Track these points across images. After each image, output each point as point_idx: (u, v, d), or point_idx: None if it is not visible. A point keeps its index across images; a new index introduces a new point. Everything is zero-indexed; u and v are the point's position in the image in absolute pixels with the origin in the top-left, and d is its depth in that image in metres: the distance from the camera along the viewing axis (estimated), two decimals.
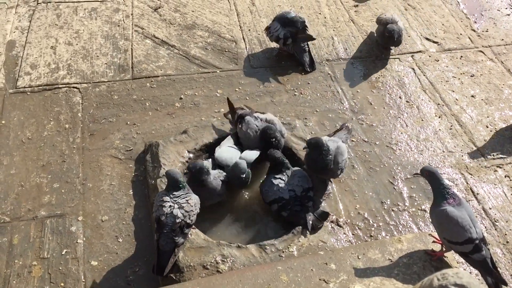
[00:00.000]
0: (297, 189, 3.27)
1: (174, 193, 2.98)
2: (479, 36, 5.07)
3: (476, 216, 3.39)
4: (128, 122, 4.04)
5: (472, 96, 4.42)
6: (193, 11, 5.22)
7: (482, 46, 4.96)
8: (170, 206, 2.92)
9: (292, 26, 4.51)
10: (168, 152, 3.58)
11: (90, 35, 4.87)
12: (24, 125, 3.98)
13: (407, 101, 4.34)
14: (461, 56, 4.82)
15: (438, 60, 4.77)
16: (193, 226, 3.06)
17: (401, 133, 4.06)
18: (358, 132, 4.03)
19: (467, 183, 3.68)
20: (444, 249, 2.91)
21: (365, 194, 3.56)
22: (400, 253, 2.93)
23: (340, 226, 3.26)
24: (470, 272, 3.06)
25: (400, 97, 4.37)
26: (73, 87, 4.33)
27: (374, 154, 3.85)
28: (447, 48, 4.92)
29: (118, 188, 3.57)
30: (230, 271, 2.91)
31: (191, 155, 3.60)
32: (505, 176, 3.74)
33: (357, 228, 3.35)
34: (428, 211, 3.16)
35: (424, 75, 4.61)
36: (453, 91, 4.45)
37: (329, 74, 4.57)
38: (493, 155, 3.89)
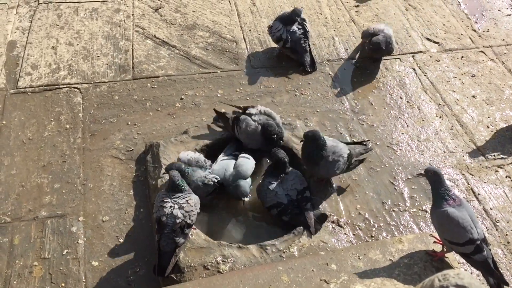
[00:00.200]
0: (292, 193, 3.26)
1: (174, 193, 2.98)
2: (480, 36, 5.06)
3: (477, 217, 3.39)
4: (129, 123, 4.04)
5: (473, 96, 4.41)
6: (193, 12, 5.22)
7: (483, 46, 4.95)
8: (171, 206, 2.92)
9: (292, 20, 4.55)
10: (169, 152, 3.59)
11: (91, 35, 4.87)
12: (25, 126, 3.98)
13: (408, 102, 4.34)
14: (462, 57, 4.82)
15: (439, 61, 4.77)
16: (194, 227, 3.06)
17: (402, 133, 4.05)
18: (358, 133, 4.02)
19: (468, 184, 3.68)
20: (445, 249, 2.91)
21: (366, 195, 3.56)
22: (401, 253, 2.92)
23: (341, 226, 3.26)
24: (471, 273, 3.06)
25: (401, 98, 4.37)
26: (74, 88, 4.33)
27: (375, 155, 3.85)
28: (448, 48, 4.91)
29: (118, 188, 3.57)
30: (231, 271, 2.91)
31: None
32: (506, 177, 3.74)
33: (358, 228, 3.35)
34: (429, 212, 3.15)
35: (425, 75, 4.60)
36: (454, 92, 4.45)
37: (329, 74, 4.57)
38: (494, 155, 3.89)
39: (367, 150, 3.54)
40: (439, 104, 4.32)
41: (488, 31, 5.13)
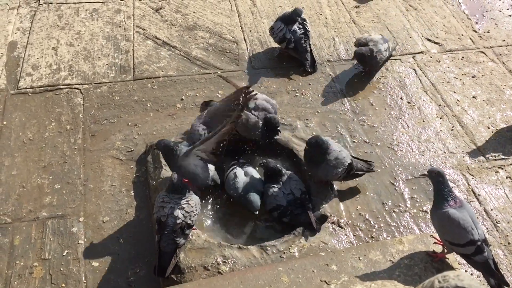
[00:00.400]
0: (296, 192, 3.27)
1: (175, 195, 2.99)
2: (480, 37, 5.06)
3: (477, 217, 3.38)
4: (129, 123, 4.04)
5: (474, 97, 4.41)
6: (194, 12, 5.22)
7: (484, 47, 4.95)
8: (171, 207, 2.92)
9: (293, 20, 4.54)
10: None
11: (91, 36, 4.87)
12: (25, 126, 3.99)
13: (408, 102, 4.33)
14: (463, 57, 4.82)
15: (439, 61, 4.77)
16: (194, 227, 3.06)
17: (402, 134, 4.05)
18: (359, 133, 4.02)
19: (469, 184, 3.68)
20: (445, 250, 2.91)
21: (366, 195, 3.56)
22: (401, 254, 2.92)
23: (341, 227, 3.25)
24: (472, 274, 3.06)
25: (401, 98, 4.37)
26: (75, 88, 4.33)
27: (375, 155, 3.85)
28: (449, 49, 4.91)
29: (119, 189, 3.57)
30: (231, 272, 2.91)
31: None
32: (507, 177, 3.73)
33: (358, 229, 3.35)
34: (429, 213, 3.15)
35: (425, 76, 4.60)
36: (455, 92, 4.45)
37: (330, 75, 4.57)
38: (495, 156, 3.88)
39: (369, 169, 3.53)
40: (440, 105, 4.32)
41: (488, 32, 5.12)
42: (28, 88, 4.32)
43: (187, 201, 2.97)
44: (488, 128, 4.12)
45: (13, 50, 4.69)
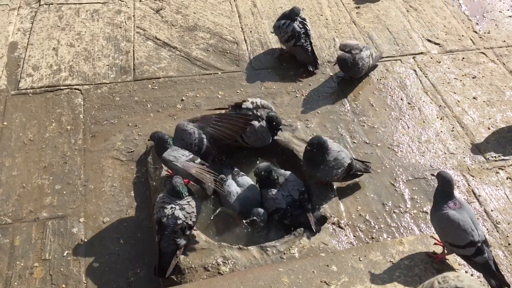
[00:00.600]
0: (294, 193, 3.27)
1: (175, 198, 2.99)
2: (481, 37, 5.06)
3: (477, 218, 3.38)
4: (130, 124, 4.05)
5: (474, 97, 4.41)
6: (194, 13, 5.22)
7: (484, 47, 4.95)
8: (172, 207, 2.92)
9: (292, 20, 4.54)
10: None
11: (92, 36, 4.88)
12: (26, 127, 3.99)
13: (408, 103, 4.33)
14: (463, 58, 4.82)
15: (439, 62, 4.77)
16: (195, 228, 3.06)
17: (403, 134, 4.05)
18: (359, 134, 4.02)
19: (469, 185, 3.68)
20: (445, 251, 2.90)
21: (367, 196, 3.56)
22: (401, 255, 2.92)
23: (341, 228, 3.25)
24: (472, 275, 3.05)
25: (401, 99, 4.37)
26: (75, 89, 4.34)
27: (376, 156, 3.85)
28: (449, 49, 4.91)
29: (119, 189, 3.57)
30: (231, 272, 2.91)
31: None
32: (507, 178, 3.73)
33: (358, 230, 3.35)
34: (429, 214, 3.15)
35: (425, 76, 4.60)
36: (455, 93, 4.45)
37: (330, 75, 4.57)
38: (495, 157, 3.88)
39: (366, 170, 3.55)
40: (440, 106, 4.32)
41: (489, 33, 5.12)
42: (28, 89, 4.32)
43: (188, 202, 2.97)
44: (489, 129, 4.12)
45: (13, 51, 4.70)
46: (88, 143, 3.88)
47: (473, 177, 3.74)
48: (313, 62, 4.57)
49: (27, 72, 4.48)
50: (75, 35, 4.88)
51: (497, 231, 3.39)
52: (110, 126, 4.02)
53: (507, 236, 3.36)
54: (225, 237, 3.24)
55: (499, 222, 3.45)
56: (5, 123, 4.02)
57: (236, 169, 3.51)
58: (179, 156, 3.22)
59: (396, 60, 4.77)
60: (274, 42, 4.86)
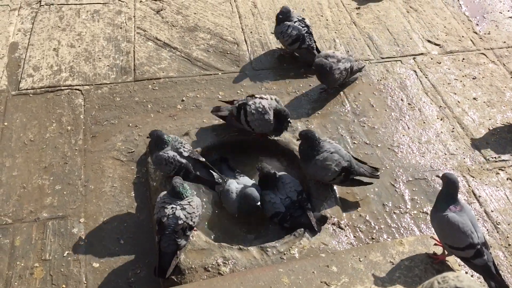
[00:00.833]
0: (292, 195, 3.25)
1: (176, 198, 2.99)
2: (481, 38, 5.06)
3: (478, 219, 3.38)
4: (130, 124, 4.05)
5: (474, 98, 4.41)
6: (195, 13, 5.23)
7: (484, 48, 4.95)
8: (172, 207, 2.92)
9: (289, 20, 4.52)
10: None
11: (92, 37, 4.88)
12: (26, 127, 3.99)
13: (409, 104, 4.34)
14: (463, 59, 4.82)
15: (440, 63, 4.77)
16: (195, 228, 3.06)
17: (403, 135, 4.05)
18: (359, 134, 4.02)
19: (469, 186, 3.68)
20: (446, 252, 2.91)
21: (367, 196, 3.56)
22: (401, 255, 2.92)
23: (341, 228, 3.25)
24: (472, 275, 3.05)
25: (402, 100, 4.37)
26: (75, 89, 4.34)
27: (376, 157, 3.85)
28: (449, 50, 4.91)
29: (119, 190, 3.58)
30: (231, 273, 2.91)
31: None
32: (507, 179, 3.73)
33: (358, 230, 3.35)
34: (429, 214, 3.15)
35: (426, 77, 4.60)
36: (455, 94, 4.45)
37: None
38: (495, 157, 3.88)
39: (372, 175, 3.47)
40: (440, 106, 4.32)
41: (489, 33, 5.13)
42: (29, 89, 4.32)
43: (189, 202, 2.97)
44: (489, 129, 4.12)
45: (14, 51, 4.71)
46: (88, 143, 3.89)
47: (473, 177, 3.74)
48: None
49: (28, 72, 4.48)
50: (76, 36, 4.89)
51: (497, 232, 3.39)
52: (111, 127, 4.02)
53: (507, 237, 3.36)
54: (225, 237, 3.24)
55: (499, 222, 3.45)
56: (5, 124, 4.02)
57: (237, 171, 3.51)
58: (173, 154, 3.27)
59: (396, 61, 4.77)
60: (274, 43, 4.86)
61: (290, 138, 3.74)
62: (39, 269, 3.10)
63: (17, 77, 4.44)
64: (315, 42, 4.59)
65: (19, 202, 3.47)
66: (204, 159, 3.39)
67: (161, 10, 5.24)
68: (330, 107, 4.26)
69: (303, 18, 4.64)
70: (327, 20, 5.23)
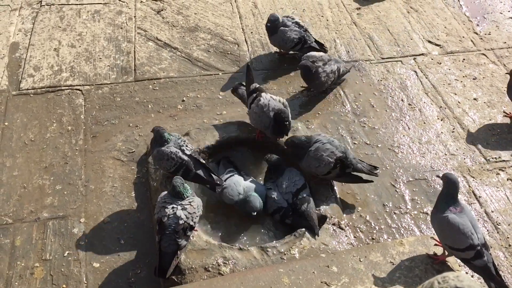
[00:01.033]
0: (287, 197, 3.26)
1: (176, 199, 2.99)
2: (481, 39, 5.06)
3: (478, 220, 3.39)
4: (131, 124, 4.05)
5: (475, 99, 4.41)
6: (195, 14, 5.23)
7: (485, 49, 4.95)
8: (173, 207, 2.92)
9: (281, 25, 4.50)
10: None
11: (93, 37, 4.89)
12: (27, 127, 4.00)
13: (409, 104, 4.34)
14: (464, 59, 4.82)
15: (440, 63, 4.77)
16: (196, 228, 3.06)
17: (403, 135, 4.05)
18: (360, 135, 4.03)
19: (469, 186, 3.68)
20: (446, 253, 2.91)
21: (367, 197, 3.56)
22: (402, 256, 2.92)
23: (341, 228, 3.25)
24: (472, 276, 3.05)
25: (402, 100, 4.37)
26: (76, 89, 4.35)
27: (376, 157, 3.85)
28: (450, 51, 4.91)
29: (120, 190, 3.58)
30: (231, 273, 2.91)
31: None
32: (508, 179, 3.73)
33: (358, 230, 3.35)
34: (429, 215, 3.15)
35: (426, 77, 4.60)
36: (456, 94, 4.45)
37: None
38: (495, 158, 3.88)
39: (370, 172, 3.46)
40: (441, 107, 4.32)
41: (489, 34, 5.13)
42: (29, 89, 4.33)
43: (190, 202, 2.96)
44: (489, 130, 4.12)
45: (15, 51, 4.71)
46: (89, 143, 3.89)
47: (474, 178, 3.74)
48: (324, 51, 4.57)
49: (28, 72, 4.49)
50: (76, 36, 4.89)
51: (498, 232, 3.39)
52: (111, 127, 4.03)
53: (508, 237, 3.36)
54: (225, 237, 3.25)
55: (499, 223, 3.45)
56: (6, 124, 4.02)
57: (242, 172, 3.51)
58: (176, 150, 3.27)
59: (396, 61, 4.77)
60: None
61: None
62: (40, 269, 3.10)
63: (17, 77, 4.44)
64: (315, 39, 4.60)
65: (20, 202, 3.47)
66: (204, 161, 3.39)
67: (162, 10, 5.25)
68: (331, 108, 4.27)
69: (292, 18, 4.61)
70: (327, 20, 5.23)
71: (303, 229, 3.14)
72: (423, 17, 5.33)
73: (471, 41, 5.04)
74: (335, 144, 3.39)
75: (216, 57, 4.72)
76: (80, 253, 3.19)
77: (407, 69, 4.69)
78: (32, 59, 4.62)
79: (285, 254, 3.02)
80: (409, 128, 4.12)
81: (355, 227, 3.36)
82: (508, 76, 4.13)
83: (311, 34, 4.62)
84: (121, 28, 5.00)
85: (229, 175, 3.39)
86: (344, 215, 3.38)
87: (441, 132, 4.09)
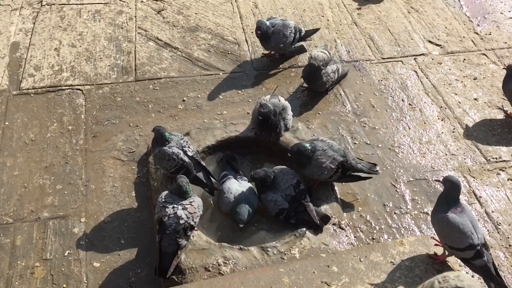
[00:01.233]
0: (290, 190, 3.26)
1: (178, 198, 2.98)
2: (482, 39, 5.06)
3: (478, 220, 3.38)
4: (131, 124, 4.05)
5: (475, 99, 4.41)
6: (196, 14, 5.23)
7: (485, 49, 4.95)
8: (174, 207, 2.92)
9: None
10: None
11: (93, 37, 4.89)
12: (27, 127, 4.00)
13: (409, 104, 4.34)
14: (464, 59, 4.82)
15: (441, 63, 4.77)
16: (196, 228, 3.06)
17: (404, 136, 4.05)
18: (360, 135, 4.03)
19: (470, 186, 3.68)
20: (446, 253, 2.91)
21: (367, 197, 3.56)
22: (402, 256, 2.92)
23: (342, 228, 3.25)
24: (472, 276, 3.05)
25: (402, 100, 4.37)
26: (77, 89, 4.35)
27: (377, 157, 3.85)
28: (450, 51, 4.91)
29: (120, 189, 3.58)
30: (232, 273, 2.91)
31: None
32: (508, 179, 3.73)
33: (359, 230, 3.35)
34: (430, 215, 3.15)
35: (427, 78, 4.60)
36: (456, 94, 4.45)
37: None
38: (496, 158, 3.88)
39: (370, 171, 3.46)
40: (441, 107, 4.32)
41: (490, 34, 5.13)
42: (30, 89, 4.33)
43: (190, 202, 2.97)
44: (490, 130, 4.12)
45: (15, 51, 4.71)
46: (89, 143, 3.89)
47: (474, 178, 3.74)
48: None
49: (29, 72, 4.49)
50: (77, 36, 4.89)
51: (498, 232, 3.39)
52: (112, 127, 4.03)
53: (508, 238, 3.36)
54: (225, 237, 3.25)
55: (499, 223, 3.45)
56: (6, 123, 4.03)
57: (240, 173, 3.50)
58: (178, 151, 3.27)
59: (397, 61, 4.77)
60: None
61: (290, 138, 3.74)
62: (40, 269, 3.11)
63: (18, 77, 4.44)
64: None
65: (20, 201, 3.47)
66: (204, 164, 3.39)
67: (162, 10, 5.25)
68: (331, 107, 4.27)
69: (274, 17, 4.57)
70: (328, 20, 5.23)
71: (304, 229, 3.14)
72: (423, 17, 5.33)
73: (472, 41, 5.03)
74: (335, 148, 3.39)
75: (216, 57, 4.72)
76: (80, 253, 3.19)
77: (407, 69, 4.69)
78: (33, 59, 4.62)
79: (285, 254, 3.02)
80: (409, 128, 4.12)
81: (356, 227, 3.36)
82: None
83: (301, 28, 4.63)
84: (122, 28, 5.01)
85: (224, 179, 3.39)
86: (345, 215, 3.38)
87: (442, 132, 4.09)
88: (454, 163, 3.85)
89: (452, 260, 2.93)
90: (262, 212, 3.36)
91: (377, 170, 3.49)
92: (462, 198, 3.47)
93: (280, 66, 4.67)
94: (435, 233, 2.96)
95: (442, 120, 4.20)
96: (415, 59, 4.81)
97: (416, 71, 4.67)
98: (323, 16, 5.29)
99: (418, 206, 3.53)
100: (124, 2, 5.34)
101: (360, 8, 5.42)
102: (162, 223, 2.90)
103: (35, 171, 3.67)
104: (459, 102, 4.38)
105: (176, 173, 3.21)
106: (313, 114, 4.19)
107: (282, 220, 3.26)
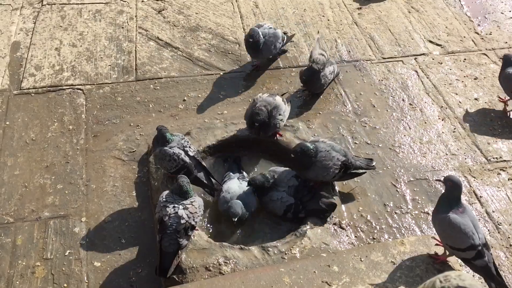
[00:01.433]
0: (293, 181, 3.28)
1: (179, 197, 2.98)
2: (482, 39, 5.06)
3: (479, 220, 3.38)
4: (132, 124, 4.05)
5: (476, 99, 4.41)
6: (196, 13, 5.23)
7: (486, 49, 4.95)
8: (174, 207, 2.92)
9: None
10: None
11: (94, 37, 4.89)
12: (28, 126, 4.00)
13: (410, 104, 4.34)
14: (465, 59, 4.82)
15: (441, 63, 4.77)
16: (196, 228, 3.06)
17: (404, 135, 4.05)
18: (361, 135, 4.03)
19: (470, 186, 3.68)
20: (447, 253, 2.91)
21: (368, 197, 3.56)
22: (403, 255, 2.92)
23: (342, 228, 3.26)
24: (473, 276, 3.05)
25: (403, 100, 4.37)
26: (77, 89, 4.35)
27: (377, 157, 3.85)
28: (451, 50, 4.91)
29: (121, 189, 3.58)
30: (232, 273, 2.91)
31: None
32: (509, 179, 3.73)
33: (359, 230, 3.35)
34: (431, 215, 3.15)
35: (427, 77, 4.60)
36: (457, 94, 4.45)
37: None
38: (496, 158, 3.88)
39: (368, 166, 3.49)
40: (442, 107, 4.32)
41: (490, 34, 5.12)
42: (31, 89, 4.33)
43: (191, 202, 2.97)
44: (490, 130, 4.12)
45: (16, 51, 4.71)
46: (90, 143, 3.89)
47: (475, 178, 3.74)
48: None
49: (30, 72, 4.49)
50: (78, 35, 4.89)
51: (499, 232, 3.39)
52: (112, 126, 4.03)
53: (508, 237, 3.36)
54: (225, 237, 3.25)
55: (500, 223, 3.45)
56: (7, 123, 4.03)
57: (243, 174, 3.50)
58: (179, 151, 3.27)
59: (397, 61, 4.77)
60: None
61: (291, 138, 3.74)
62: (41, 268, 3.11)
63: (19, 76, 4.44)
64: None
65: (21, 201, 3.48)
66: (205, 164, 3.39)
67: (163, 10, 5.25)
68: (332, 107, 4.27)
69: (262, 25, 4.53)
70: (328, 20, 5.23)
71: (304, 228, 3.15)
72: (424, 17, 5.33)
73: (472, 41, 5.03)
74: (337, 148, 3.39)
75: (217, 57, 4.72)
76: (81, 252, 3.19)
77: (408, 69, 4.69)
78: (33, 59, 4.62)
79: (286, 254, 3.03)
80: (410, 128, 4.12)
81: (356, 226, 3.36)
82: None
83: (287, 34, 4.71)
84: (122, 27, 5.01)
85: (225, 179, 3.40)
86: (345, 214, 3.38)
87: (442, 132, 4.09)
88: (455, 163, 3.85)
89: (453, 260, 2.93)
90: (262, 212, 3.37)
91: (373, 165, 3.52)
92: (463, 198, 3.47)
93: (280, 66, 4.67)
94: (436, 233, 2.96)
95: (442, 120, 4.20)
96: (415, 59, 4.81)
97: (416, 71, 4.67)
98: (323, 15, 5.29)
99: (418, 206, 3.53)
100: (125, 1, 5.34)
101: (360, 8, 5.42)
102: (162, 223, 2.90)
103: (36, 171, 3.67)
104: (460, 102, 4.38)
105: (177, 174, 3.21)
106: (314, 114, 4.19)
107: (291, 217, 3.26)
